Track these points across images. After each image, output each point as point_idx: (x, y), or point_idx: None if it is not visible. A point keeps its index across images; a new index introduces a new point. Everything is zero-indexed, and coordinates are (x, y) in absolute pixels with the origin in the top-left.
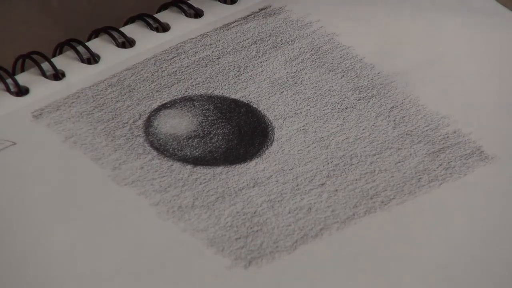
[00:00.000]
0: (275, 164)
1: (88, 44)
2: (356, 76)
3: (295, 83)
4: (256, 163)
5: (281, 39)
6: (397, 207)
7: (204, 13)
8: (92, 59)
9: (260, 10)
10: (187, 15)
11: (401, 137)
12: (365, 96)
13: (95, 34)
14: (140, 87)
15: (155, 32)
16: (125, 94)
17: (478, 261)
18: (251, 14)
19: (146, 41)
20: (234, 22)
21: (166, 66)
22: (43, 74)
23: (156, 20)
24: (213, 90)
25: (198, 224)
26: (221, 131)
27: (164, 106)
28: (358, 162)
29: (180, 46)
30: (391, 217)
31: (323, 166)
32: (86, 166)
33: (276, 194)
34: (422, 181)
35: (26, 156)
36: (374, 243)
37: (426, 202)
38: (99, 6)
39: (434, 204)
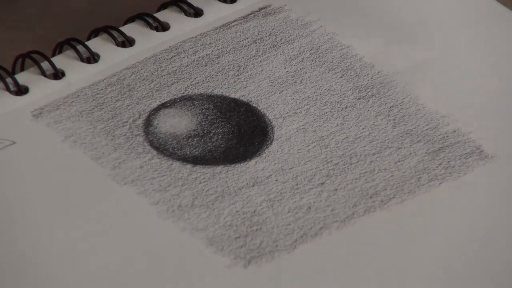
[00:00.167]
0: (275, 163)
1: (88, 43)
2: (356, 76)
3: (294, 82)
4: (256, 162)
5: (281, 38)
6: (397, 206)
7: (204, 12)
8: (92, 58)
9: (260, 9)
10: (187, 14)
11: (401, 136)
12: (365, 95)
13: (95, 33)
14: (139, 86)
15: (155, 31)
16: (125, 93)
17: (478, 260)
18: (251, 13)
19: (146, 40)
20: (233, 21)
21: (165, 65)
22: (43, 73)
23: (155, 19)
24: (212, 89)
25: (198, 223)
26: (220, 130)
27: (163, 105)
28: (357, 161)
29: (179, 45)
30: (390, 217)
31: (323, 165)
32: (85, 165)
33: (276, 193)
34: (422, 180)
35: (25, 155)
36: (373, 242)
37: (426, 202)
38: (99, 5)
39: (433, 204)
